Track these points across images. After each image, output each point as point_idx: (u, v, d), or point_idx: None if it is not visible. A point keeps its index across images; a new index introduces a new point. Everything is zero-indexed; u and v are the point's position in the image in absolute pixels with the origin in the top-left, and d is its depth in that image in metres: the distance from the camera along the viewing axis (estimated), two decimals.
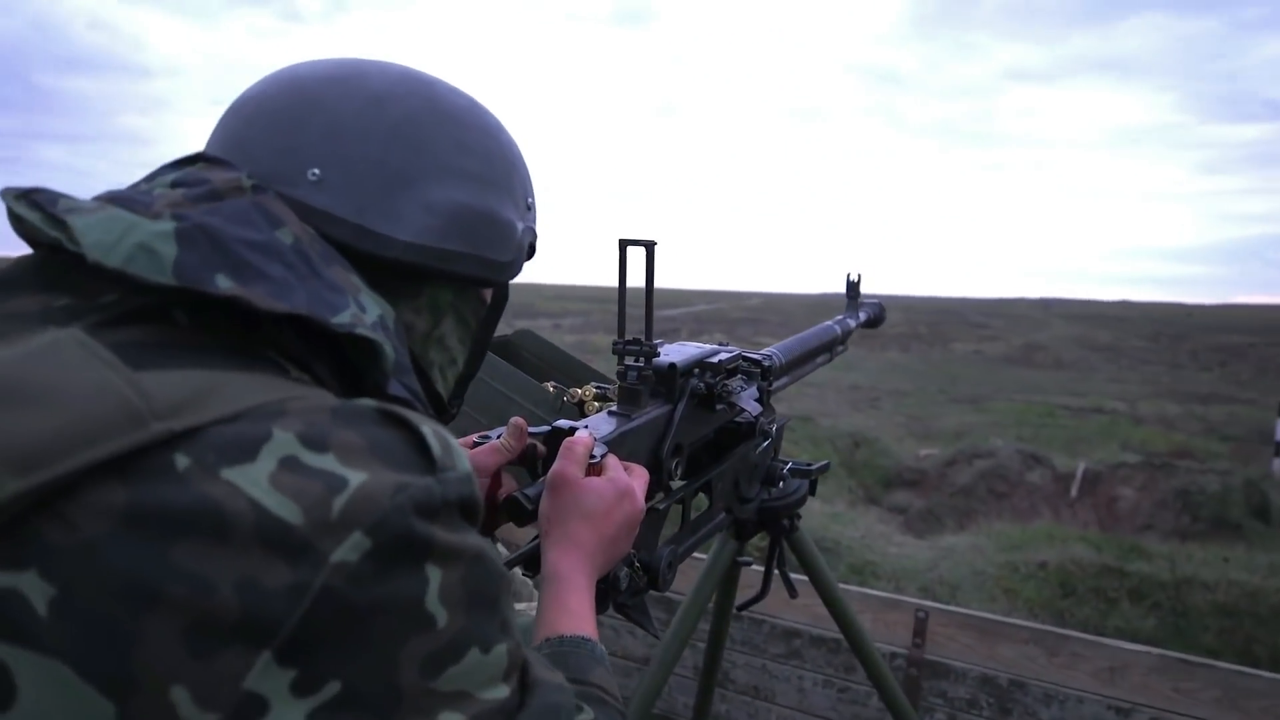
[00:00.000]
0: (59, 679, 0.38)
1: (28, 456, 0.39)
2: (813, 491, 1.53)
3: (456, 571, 0.47)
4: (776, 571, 1.53)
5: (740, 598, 1.61)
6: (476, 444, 0.90)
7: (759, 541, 1.59)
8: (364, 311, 0.56)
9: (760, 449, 1.29)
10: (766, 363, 1.30)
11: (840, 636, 2.26)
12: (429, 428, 0.49)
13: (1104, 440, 11.91)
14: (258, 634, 0.40)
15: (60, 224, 0.50)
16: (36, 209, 0.51)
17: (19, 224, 0.53)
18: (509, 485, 0.90)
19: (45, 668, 0.38)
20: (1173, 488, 8.78)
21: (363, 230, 0.61)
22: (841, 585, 2.41)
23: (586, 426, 0.90)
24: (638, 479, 0.85)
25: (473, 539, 0.49)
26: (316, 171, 0.61)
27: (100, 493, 0.40)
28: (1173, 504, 8.58)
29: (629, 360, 1.01)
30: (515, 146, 0.74)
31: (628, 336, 1.01)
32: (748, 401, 1.17)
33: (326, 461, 0.44)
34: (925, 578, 6.66)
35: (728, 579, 1.61)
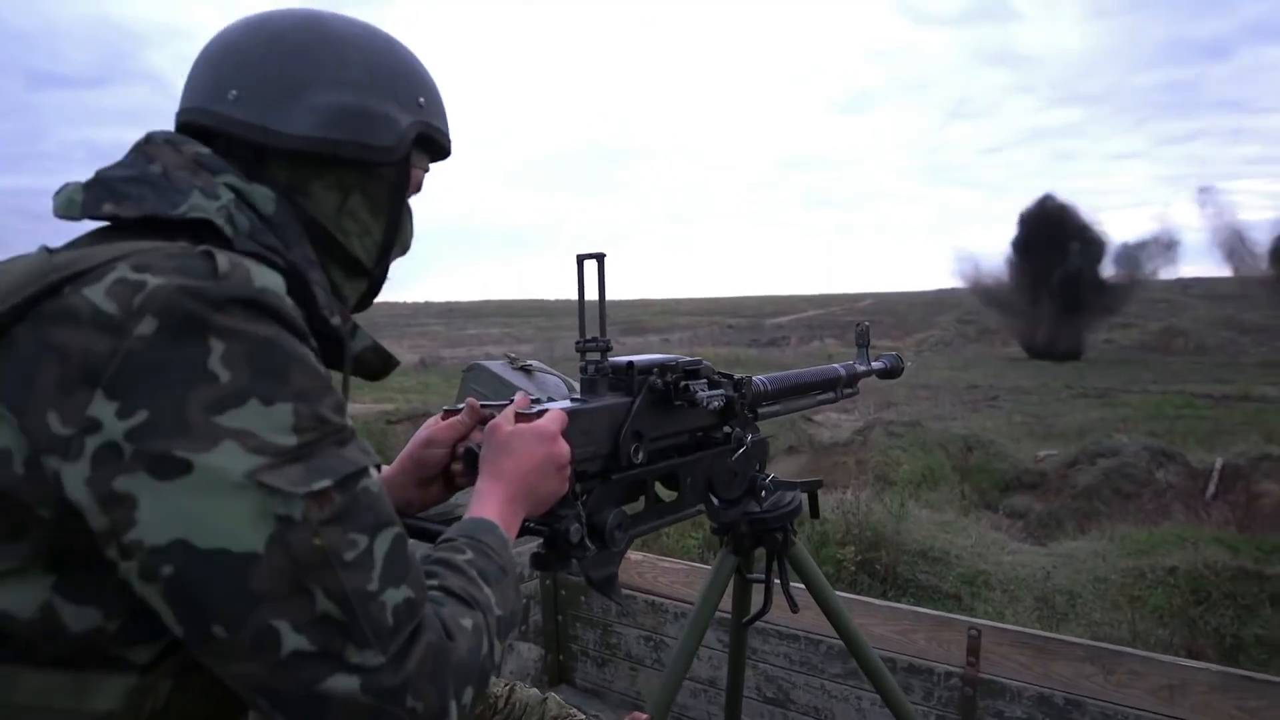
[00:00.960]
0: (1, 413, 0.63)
1: None
2: (814, 510, 1.59)
3: (241, 345, 0.65)
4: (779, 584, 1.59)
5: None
6: (448, 414, 1.10)
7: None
8: (215, 199, 0.78)
9: (735, 456, 1.38)
10: (737, 376, 1.39)
11: (897, 656, 2.28)
12: (225, 255, 0.68)
13: (1246, 432, 11.06)
14: (92, 378, 0.62)
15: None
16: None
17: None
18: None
19: None
20: None
21: (266, 129, 0.84)
22: (894, 604, 2.41)
23: (539, 402, 1.07)
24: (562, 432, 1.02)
25: (265, 328, 0.67)
26: (234, 92, 0.85)
27: (29, 315, 0.65)
28: None
29: (589, 356, 1.20)
30: (404, 59, 0.93)
31: (588, 336, 1.19)
32: (714, 403, 1.27)
33: (143, 277, 0.65)
34: (1042, 587, 6.40)
35: (741, 595, 1.67)
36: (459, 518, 1.06)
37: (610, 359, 1.21)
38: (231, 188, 0.81)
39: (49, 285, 0.65)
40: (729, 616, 1.75)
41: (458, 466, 1.06)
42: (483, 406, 1.08)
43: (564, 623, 3.06)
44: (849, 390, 1.81)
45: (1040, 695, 2.03)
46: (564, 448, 1.00)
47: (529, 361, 1.81)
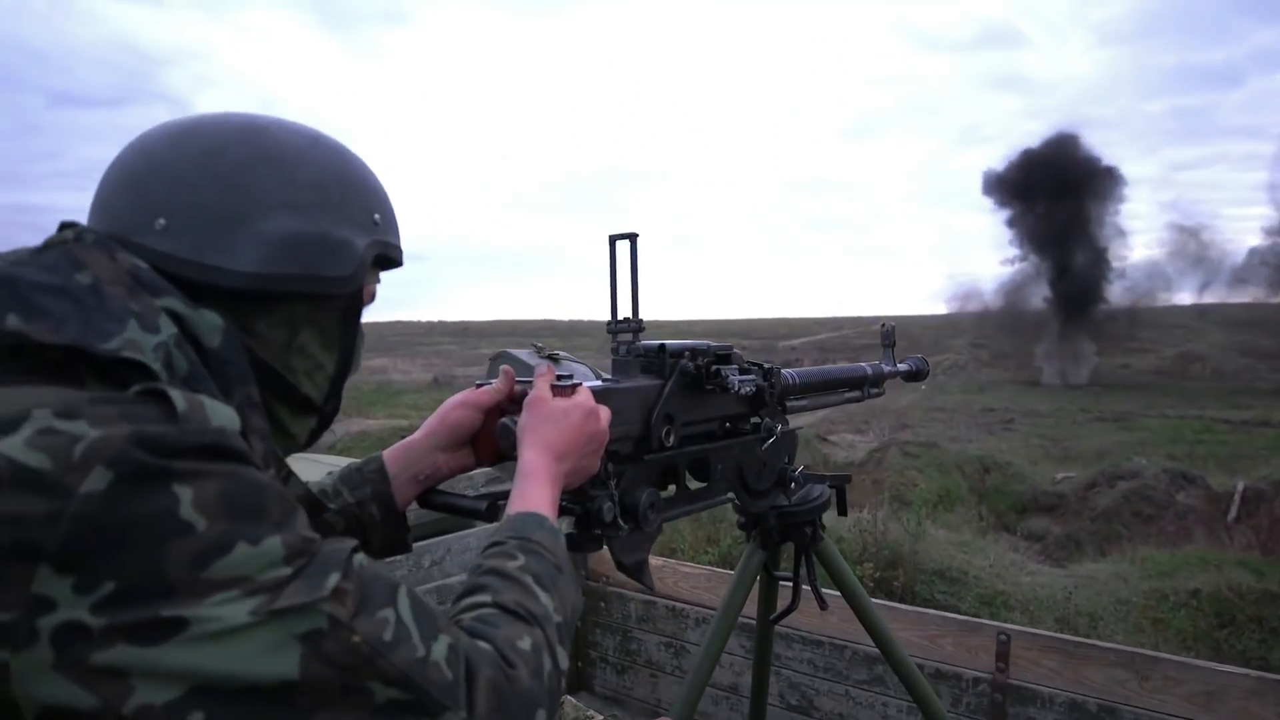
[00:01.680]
0: None
1: None
2: (841, 506, 1.57)
3: (209, 488, 0.57)
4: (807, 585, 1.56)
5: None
6: (477, 386, 1.06)
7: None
8: (154, 333, 0.66)
9: (765, 446, 1.36)
10: (768, 365, 1.37)
11: (924, 661, 2.24)
12: (181, 395, 0.60)
13: (1268, 456, 10.92)
14: (29, 553, 0.53)
15: None
16: None
17: None
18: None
19: None
20: None
21: (204, 266, 0.72)
22: (921, 609, 2.38)
23: (573, 377, 1.06)
24: (603, 411, 0.99)
25: (226, 465, 0.59)
26: (162, 221, 0.72)
27: None
28: None
29: (620, 338, 1.18)
30: (356, 171, 0.83)
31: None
32: (746, 388, 1.26)
33: (76, 426, 0.55)
34: (1063, 608, 6.30)
35: (767, 594, 1.65)
36: (493, 495, 1.06)
37: (642, 341, 1.21)
38: (173, 315, 0.69)
39: None
40: (751, 621, 1.72)
41: (502, 445, 1.02)
42: (519, 381, 1.07)
43: (583, 629, 3.03)
44: (875, 390, 1.79)
45: (1072, 701, 1.99)
46: (604, 423, 0.98)
47: (555, 351, 1.80)
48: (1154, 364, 22.60)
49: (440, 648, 0.65)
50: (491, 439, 1.04)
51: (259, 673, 0.57)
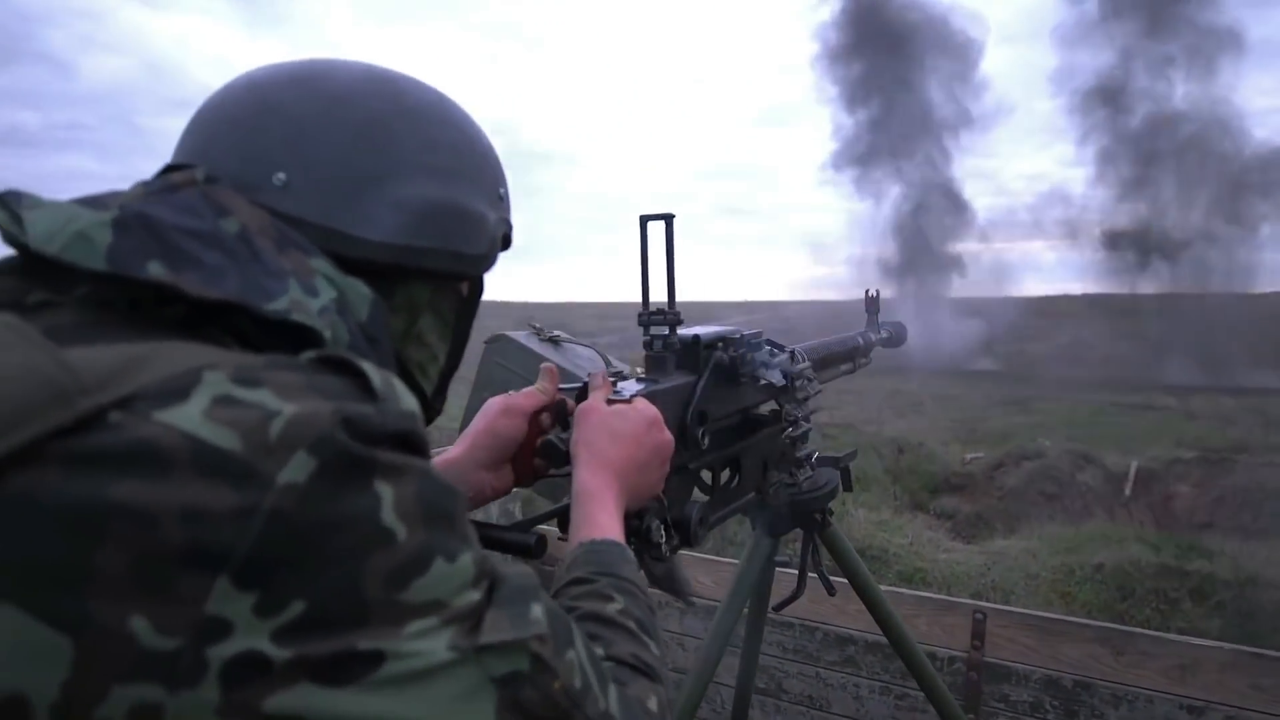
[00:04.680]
0: (14, 622, 0.39)
1: None
2: (847, 485, 1.52)
3: (409, 488, 0.47)
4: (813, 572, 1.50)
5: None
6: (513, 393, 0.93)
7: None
8: (315, 296, 0.56)
9: (786, 434, 1.31)
10: (789, 350, 1.30)
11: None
12: (372, 368, 0.49)
13: (1157, 437, 11.62)
14: (209, 560, 0.41)
15: (19, 221, 0.52)
16: (5, 208, 0.53)
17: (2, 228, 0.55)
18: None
19: None
20: (1232, 484, 8.53)
21: (331, 232, 0.62)
22: (896, 589, 2.36)
23: (610, 377, 0.95)
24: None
25: (418, 460, 0.49)
26: (281, 176, 0.61)
27: (35, 460, 0.41)
28: (1232, 500, 8.33)
29: (655, 330, 1.05)
30: (484, 139, 0.74)
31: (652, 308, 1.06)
32: (775, 377, 1.17)
33: (260, 395, 0.44)
34: (978, 583, 6.53)
35: (762, 581, 1.58)
36: (532, 521, 0.93)
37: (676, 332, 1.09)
38: (329, 280, 0.58)
39: (82, 413, 0.41)
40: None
41: (540, 463, 0.90)
42: (561, 388, 0.95)
43: None
44: (864, 360, 1.75)
45: (1048, 678, 2.00)
46: (669, 436, 0.87)
47: (555, 332, 1.67)
48: (1046, 351, 23.75)
49: (614, 700, 0.56)
50: (529, 455, 0.90)
51: None
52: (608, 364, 1.35)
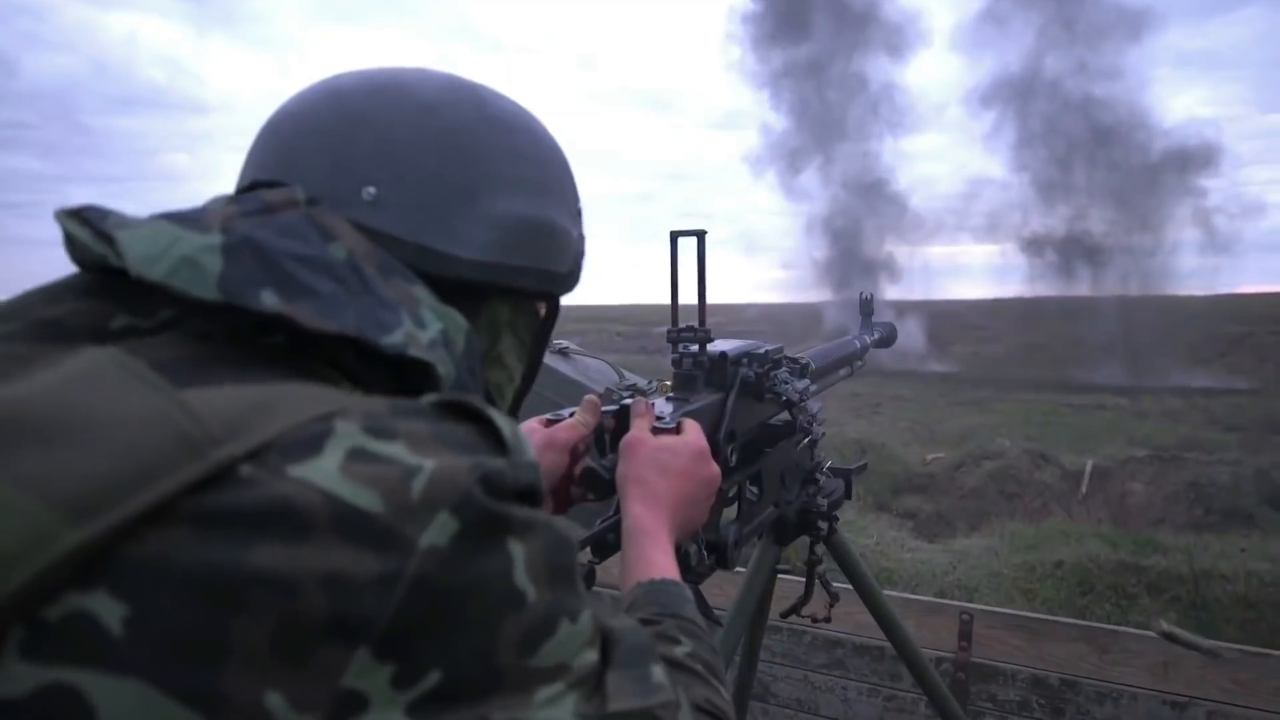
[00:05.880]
0: (141, 698, 0.36)
1: (80, 501, 0.36)
2: (848, 493, 1.53)
3: (536, 545, 0.45)
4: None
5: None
6: (550, 422, 0.90)
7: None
8: (423, 328, 0.54)
9: (802, 445, 1.32)
10: (804, 361, 1.31)
11: (885, 643, 2.24)
12: (500, 415, 0.48)
13: (1110, 436, 11.93)
14: (351, 631, 0.38)
15: (108, 239, 0.48)
16: (86, 225, 0.50)
17: (70, 244, 0.51)
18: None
19: (124, 689, 0.36)
20: (1183, 480, 8.78)
21: (424, 250, 0.59)
22: (885, 591, 2.38)
23: (652, 404, 0.93)
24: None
25: (543, 514, 0.48)
26: (372, 190, 0.58)
27: (165, 519, 0.38)
28: (1184, 496, 8.58)
29: (684, 347, 1.05)
30: (562, 152, 0.72)
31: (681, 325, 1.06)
32: (799, 395, 1.18)
33: (396, 449, 0.42)
34: (942, 582, 6.62)
35: (764, 589, 1.59)
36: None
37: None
38: (433, 311, 0.56)
39: (214, 467, 0.38)
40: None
41: (578, 492, 0.89)
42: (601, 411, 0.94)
43: None
44: (859, 363, 1.77)
45: (1034, 677, 2.03)
46: (717, 468, 0.85)
47: (563, 343, 1.64)
48: (1002, 352, 24.25)
49: None
50: (567, 485, 0.89)
51: None
52: (621, 376, 1.34)
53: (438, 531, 0.41)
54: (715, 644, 0.68)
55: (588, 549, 0.90)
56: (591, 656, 0.48)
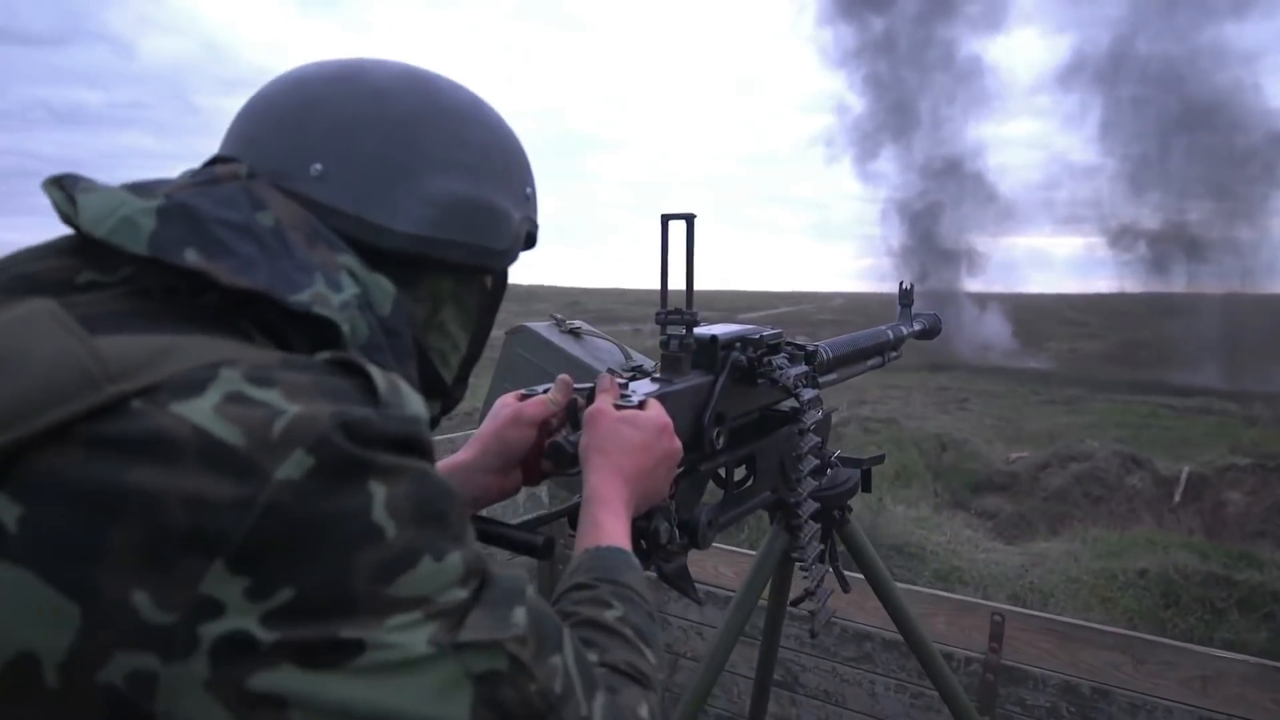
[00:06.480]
0: (27, 585, 0.43)
1: None
2: (866, 485, 1.52)
3: (401, 488, 0.50)
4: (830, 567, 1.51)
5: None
6: (524, 397, 0.95)
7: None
8: (339, 290, 0.60)
9: (806, 433, 1.30)
10: (811, 348, 1.30)
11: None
12: (380, 373, 0.52)
13: (1212, 442, 11.27)
14: (208, 545, 0.44)
15: (73, 201, 0.56)
16: (60, 190, 0.57)
17: (59, 208, 0.59)
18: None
19: (16, 576, 0.43)
20: None
21: (363, 222, 0.65)
22: (914, 587, 2.35)
23: (629, 385, 0.96)
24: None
25: (416, 461, 0.52)
26: (319, 166, 0.65)
27: (64, 439, 0.45)
28: None
29: (671, 330, 1.06)
30: (515, 139, 0.77)
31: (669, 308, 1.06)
32: (794, 381, 1.18)
33: (270, 395, 0.48)
34: (1015, 585, 6.43)
35: (780, 575, 1.59)
36: (541, 519, 0.96)
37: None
38: (354, 276, 0.62)
39: (108, 399, 0.45)
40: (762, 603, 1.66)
41: (547, 464, 0.92)
42: (574, 388, 0.97)
43: None
44: (894, 354, 1.74)
45: (1066, 683, 1.98)
46: (679, 444, 0.89)
47: (577, 323, 1.69)
48: (1102, 349, 23.15)
49: (599, 707, 0.58)
50: (538, 458, 0.93)
51: (425, 715, 0.49)
52: (627, 357, 1.37)
53: (293, 466, 0.46)
54: (653, 610, 0.72)
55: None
56: (459, 594, 0.51)
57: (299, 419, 0.47)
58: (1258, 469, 8.86)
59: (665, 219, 1.07)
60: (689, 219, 1.05)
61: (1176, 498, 8.67)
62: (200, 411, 0.46)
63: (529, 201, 0.78)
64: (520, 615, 0.54)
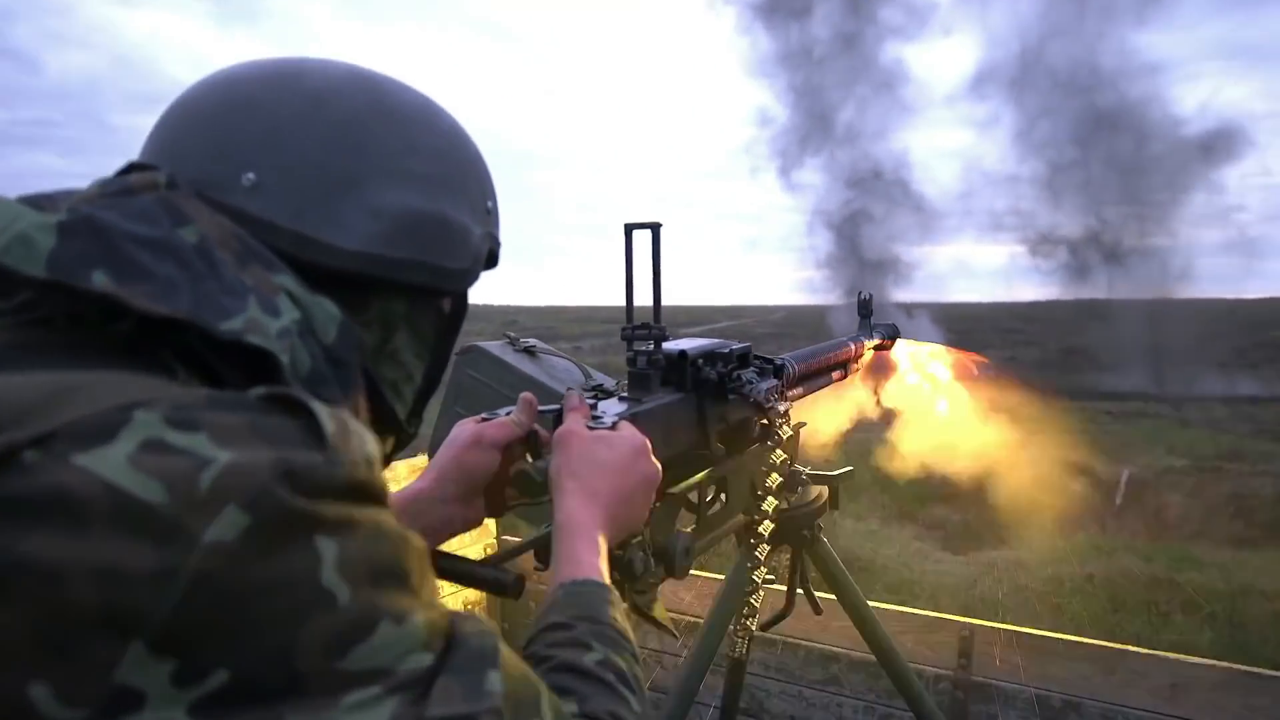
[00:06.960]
0: None
1: None
2: (835, 503, 1.46)
3: (354, 543, 0.43)
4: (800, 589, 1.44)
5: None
6: (485, 419, 0.87)
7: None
8: (276, 316, 0.52)
9: (772, 449, 1.24)
10: (779, 362, 1.24)
11: None
12: (325, 410, 0.45)
13: (1148, 445, 11.61)
14: (123, 625, 0.37)
15: None
16: None
17: None
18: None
19: None
20: (1224, 493, 8.51)
21: (302, 238, 0.58)
22: (880, 604, 2.30)
23: (597, 404, 0.90)
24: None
25: (370, 511, 0.45)
26: (251, 176, 0.57)
27: None
28: (1224, 510, 8.30)
29: (638, 345, 1.00)
30: (473, 147, 0.70)
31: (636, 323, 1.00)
32: (765, 396, 1.11)
33: (196, 441, 0.40)
34: (967, 596, 6.47)
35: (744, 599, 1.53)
36: (509, 554, 0.89)
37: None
38: (293, 299, 0.54)
39: None
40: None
41: (512, 492, 0.85)
42: (540, 411, 0.90)
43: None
44: (856, 366, 1.70)
45: (1036, 697, 1.94)
46: (657, 466, 0.82)
47: (531, 342, 1.60)
48: (1039, 356, 23.79)
49: None
50: (502, 485, 0.85)
51: None
52: (587, 376, 1.29)
53: (224, 527, 0.39)
54: (635, 651, 0.65)
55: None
56: (424, 660, 0.45)
57: (231, 469, 0.40)
58: (1195, 470, 9.12)
59: (629, 228, 1.01)
60: (655, 228, 0.98)
61: (1118, 502, 8.88)
62: (111, 463, 0.38)
63: (490, 216, 0.70)
64: (495, 681, 0.47)
